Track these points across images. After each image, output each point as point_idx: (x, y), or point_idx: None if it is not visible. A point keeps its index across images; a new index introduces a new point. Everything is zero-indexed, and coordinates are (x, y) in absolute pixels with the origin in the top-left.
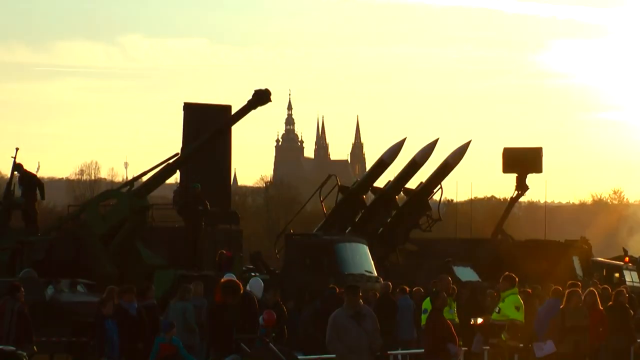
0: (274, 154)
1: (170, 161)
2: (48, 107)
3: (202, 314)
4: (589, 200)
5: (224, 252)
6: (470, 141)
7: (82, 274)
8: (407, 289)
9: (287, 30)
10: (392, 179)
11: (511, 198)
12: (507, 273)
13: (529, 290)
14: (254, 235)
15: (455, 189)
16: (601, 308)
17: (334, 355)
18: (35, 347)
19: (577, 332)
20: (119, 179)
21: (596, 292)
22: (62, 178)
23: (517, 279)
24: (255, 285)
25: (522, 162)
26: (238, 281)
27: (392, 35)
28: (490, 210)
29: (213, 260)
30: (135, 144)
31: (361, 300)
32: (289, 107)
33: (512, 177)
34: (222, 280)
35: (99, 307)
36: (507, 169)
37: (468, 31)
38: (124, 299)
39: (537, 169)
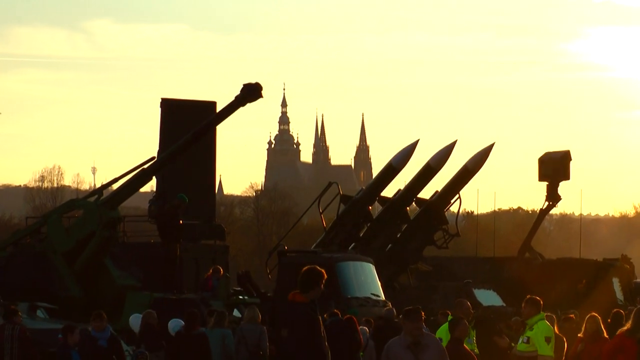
0: (266, 158)
1: (145, 166)
2: (3, 102)
3: (261, 340)
4: (631, 212)
5: (220, 268)
6: (493, 144)
7: (42, 297)
8: (423, 314)
9: (280, 15)
10: (402, 187)
11: (541, 210)
12: (529, 296)
13: (572, 316)
14: (242, 252)
15: (476, 199)
16: (606, 336)
17: None
18: None
19: None
20: (85, 186)
21: (599, 319)
22: (20, 185)
23: (542, 302)
24: (137, 323)
25: (552, 168)
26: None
27: (401, 21)
28: (517, 224)
29: (194, 281)
30: (105, 146)
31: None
32: (283, 104)
33: (542, 186)
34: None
35: (64, 336)
36: (542, 176)
37: (489, 17)
38: (94, 326)
39: (564, 175)
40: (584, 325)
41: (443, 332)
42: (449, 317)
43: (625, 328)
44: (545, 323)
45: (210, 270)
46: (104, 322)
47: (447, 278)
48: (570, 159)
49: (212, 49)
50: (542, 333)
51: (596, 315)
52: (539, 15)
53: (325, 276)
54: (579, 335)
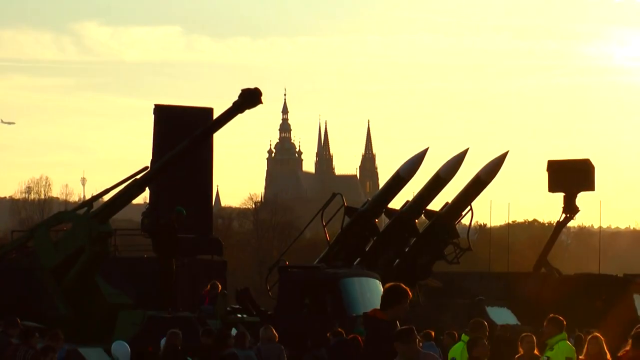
0: (266, 168)
1: (138, 177)
2: None
3: (281, 359)
4: None
5: (218, 284)
6: (507, 152)
7: (29, 316)
8: (433, 333)
9: (280, 16)
10: (410, 198)
11: (557, 222)
12: (552, 315)
13: (597, 334)
14: (241, 268)
15: (489, 211)
16: (609, 359)
17: None
18: None
19: None
20: (74, 198)
21: (602, 340)
22: (5, 197)
23: (565, 322)
24: (120, 350)
25: (570, 177)
26: None
27: (408, 22)
28: (532, 237)
29: (190, 299)
30: (95, 155)
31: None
32: (284, 111)
33: (559, 197)
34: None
35: (39, 357)
36: (553, 186)
37: (503, 18)
38: None
39: (588, 185)
40: (585, 345)
41: (457, 352)
42: (463, 337)
43: (627, 353)
44: (567, 343)
45: (208, 286)
46: (60, 342)
47: (458, 295)
48: (593, 168)
49: (208, 52)
50: (562, 354)
51: (599, 335)
52: (556, 16)
53: (411, 295)
54: (580, 357)
